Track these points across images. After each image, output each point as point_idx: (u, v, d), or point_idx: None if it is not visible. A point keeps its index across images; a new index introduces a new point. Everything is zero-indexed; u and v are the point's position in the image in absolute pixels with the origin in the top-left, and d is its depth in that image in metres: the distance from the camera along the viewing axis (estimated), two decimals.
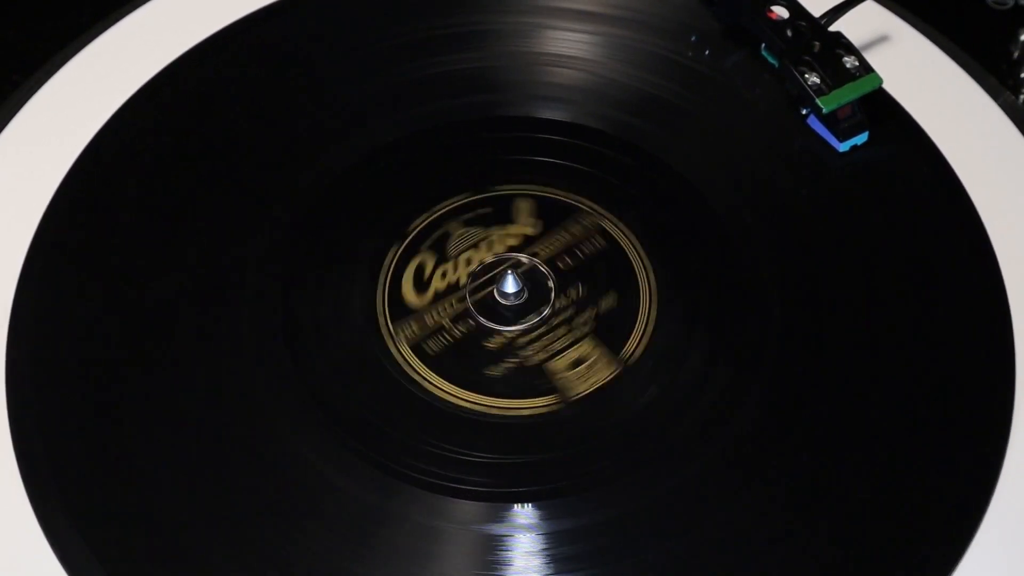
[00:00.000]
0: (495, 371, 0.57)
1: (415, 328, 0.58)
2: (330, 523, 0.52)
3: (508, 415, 0.55)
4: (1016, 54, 0.69)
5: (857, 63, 0.63)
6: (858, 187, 0.63)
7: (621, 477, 0.53)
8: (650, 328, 0.57)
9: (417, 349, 0.58)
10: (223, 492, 0.53)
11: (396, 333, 0.58)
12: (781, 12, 0.66)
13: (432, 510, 0.52)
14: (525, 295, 0.59)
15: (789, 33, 0.65)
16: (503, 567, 0.51)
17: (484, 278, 0.60)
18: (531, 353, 0.58)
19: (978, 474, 0.53)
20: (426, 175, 0.64)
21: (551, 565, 0.51)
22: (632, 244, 0.59)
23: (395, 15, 0.69)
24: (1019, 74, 0.68)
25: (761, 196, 0.62)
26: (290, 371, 0.56)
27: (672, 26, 0.69)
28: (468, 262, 0.60)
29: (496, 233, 0.61)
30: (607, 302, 0.58)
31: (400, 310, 0.59)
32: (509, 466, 0.54)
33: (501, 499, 0.53)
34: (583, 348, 0.57)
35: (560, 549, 0.51)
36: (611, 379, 0.56)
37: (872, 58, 0.63)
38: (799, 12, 0.65)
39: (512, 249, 0.60)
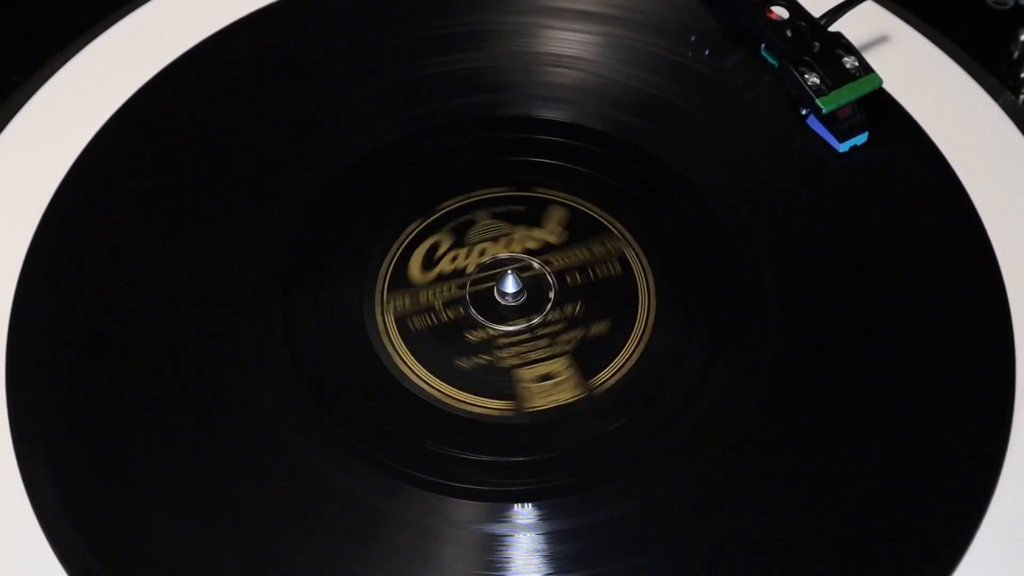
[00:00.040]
0: (465, 363, 0.57)
1: (406, 302, 0.58)
2: (330, 523, 0.52)
3: (462, 408, 0.55)
4: (1016, 54, 0.69)
5: (857, 63, 0.63)
6: (858, 187, 0.63)
7: (621, 477, 0.53)
8: (634, 357, 0.57)
9: (401, 322, 0.58)
10: (223, 492, 0.53)
11: (387, 301, 0.58)
12: (781, 12, 0.66)
13: (432, 510, 0.52)
14: (523, 298, 0.59)
15: (789, 33, 0.65)
16: (503, 567, 0.51)
17: (491, 272, 0.60)
18: (506, 356, 0.58)
19: (978, 474, 0.53)
20: (426, 175, 0.64)
21: (551, 565, 0.51)
22: (642, 266, 0.59)
23: (395, 15, 0.69)
24: (1019, 74, 0.68)
25: (761, 196, 0.62)
26: (290, 371, 0.56)
27: (672, 26, 0.69)
28: (482, 253, 0.60)
29: (520, 232, 0.61)
30: (598, 328, 0.58)
31: (400, 281, 0.59)
32: (509, 466, 0.54)
33: (501, 499, 0.53)
34: (556, 365, 0.57)
35: (560, 549, 0.51)
36: (571, 402, 0.56)
37: (872, 58, 0.63)
38: (799, 12, 0.65)
39: (528, 252, 0.60)
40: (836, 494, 0.53)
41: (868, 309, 0.58)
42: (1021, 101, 0.67)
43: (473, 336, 0.58)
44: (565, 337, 0.58)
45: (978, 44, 0.69)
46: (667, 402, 0.56)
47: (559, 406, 0.56)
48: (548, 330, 0.58)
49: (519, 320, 0.59)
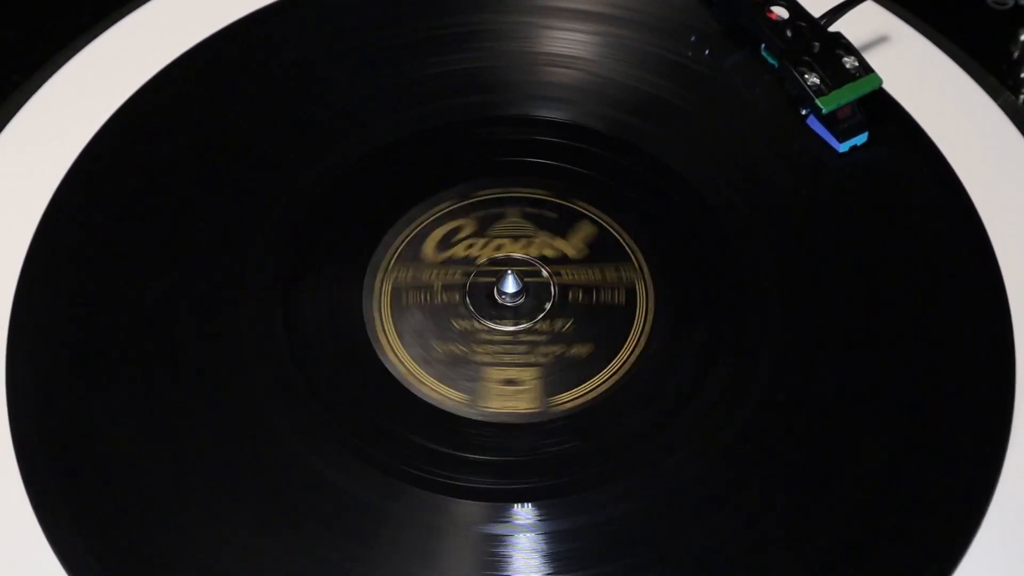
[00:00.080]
0: (439, 347, 0.57)
1: (409, 275, 0.59)
2: (330, 523, 0.52)
3: (422, 391, 0.56)
4: (1016, 54, 0.69)
5: (857, 63, 0.63)
6: (858, 187, 0.63)
7: (621, 477, 0.53)
8: (605, 386, 0.56)
9: (396, 293, 0.58)
10: (223, 492, 0.53)
11: (391, 269, 0.58)
12: (781, 12, 0.65)
13: (432, 510, 0.52)
14: (520, 301, 0.59)
15: (789, 33, 0.65)
16: (503, 567, 0.51)
17: (499, 268, 0.60)
18: (481, 351, 0.58)
19: (978, 474, 0.53)
20: (426, 175, 0.64)
21: (551, 565, 0.51)
22: (646, 287, 0.58)
23: (395, 15, 0.69)
24: (1019, 74, 0.68)
25: (761, 196, 0.62)
26: (290, 371, 0.56)
27: (672, 26, 0.69)
28: (498, 248, 0.60)
29: (542, 238, 0.60)
30: (579, 350, 0.57)
31: (412, 253, 0.60)
32: (509, 466, 0.54)
33: (501, 499, 0.53)
34: (525, 374, 0.57)
35: (560, 549, 0.51)
36: (524, 413, 0.56)
37: (872, 58, 0.63)
38: (799, 12, 0.65)
39: (543, 259, 0.60)
40: (836, 494, 0.53)
41: (868, 309, 0.58)
42: (1021, 101, 0.67)
43: (458, 324, 0.58)
44: (544, 350, 0.58)
45: (978, 44, 0.69)
46: (667, 402, 0.56)
47: (510, 413, 0.55)
48: (531, 338, 0.58)
49: (507, 321, 0.59)
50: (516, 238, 0.61)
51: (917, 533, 0.52)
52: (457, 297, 0.59)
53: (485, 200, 0.62)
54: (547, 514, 0.52)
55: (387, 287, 0.58)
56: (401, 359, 0.57)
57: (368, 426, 0.55)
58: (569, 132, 0.65)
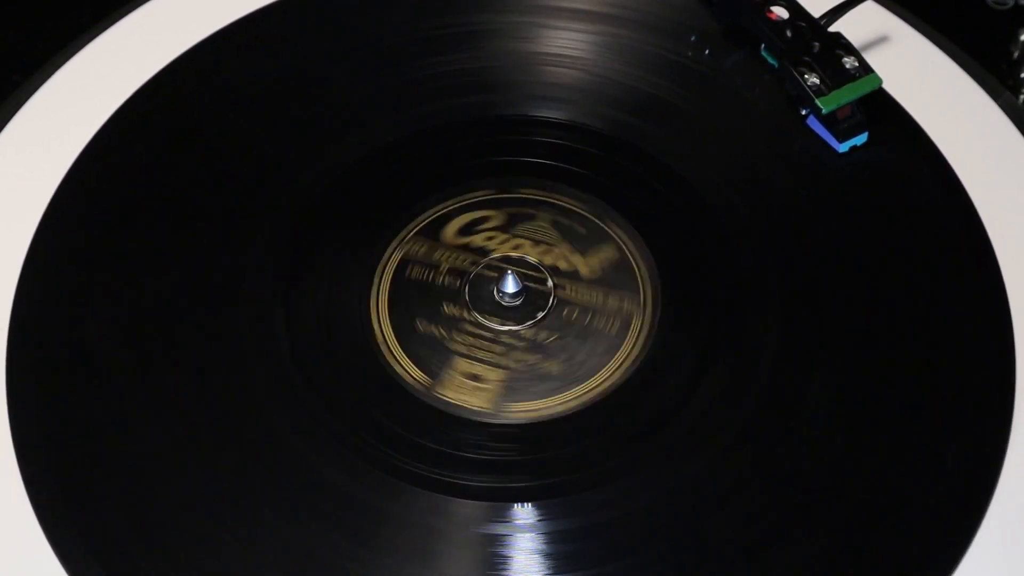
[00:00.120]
0: (421, 326, 0.58)
1: (421, 251, 0.59)
2: (330, 523, 0.52)
3: (390, 366, 0.56)
4: (1016, 54, 0.69)
5: (857, 63, 0.63)
6: (858, 187, 0.63)
7: (621, 477, 0.53)
8: (563, 406, 0.56)
9: (403, 264, 0.59)
10: (223, 492, 0.53)
11: (406, 240, 0.59)
12: (781, 12, 0.66)
13: (432, 510, 0.52)
14: (515, 303, 0.59)
15: (789, 33, 0.65)
16: (503, 567, 0.51)
17: (507, 266, 0.60)
18: (458, 340, 0.58)
19: (978, 474, 0.53)
20: (426, 175, 0.64)
21: (551, 565, 0.51)
22: (644, 321, 0.58)
23: (395, 15, 0.69)
24: (1019, 74, 0.68)
25: (761, 197, 0.62)
26: (290, 371, 0.56)
27: (672, 26, 0.69)
28: (516, 247, 0.60)
29: (562, 250, 0.60)
30: (550, 366, 0.57)
31: (432, 231, 0.60)
32: (509, 466, 0.54)
33: (501, 499, 0.53)
34: (490, 373, 0.57)
35: (560, 549, 0.51)
36: (471, 408, 0.56)
37: (872, 58, 0.63)
38: (799, 12, 0.65)
39: (554, 271, 0.60)
40: (836, 494, 0.53)
41: (868, 309, 0.58)
42: (1021, 101, 0.67)
43: (448, 309, 0.59)
44: (519, 356, 0.58)
45: (978, 44, 0.69)
46: (667, 402, 0.56)
47: (458, 406, 0.55)
48: (511, 341, 0.58)
49: (495, 319, 0.59)
50: (537, 242, 0.60)
51: (917, 533, 0.52)
52: (458, 283, 0.59)
53: (522, 199, 0.62)
54: (547, 514, 0.52)
55: (396, 258, 0.58)
56: (383, 327, 0.57)
57: (368, 426, 0.55)
58: (569, 132, 0.65)
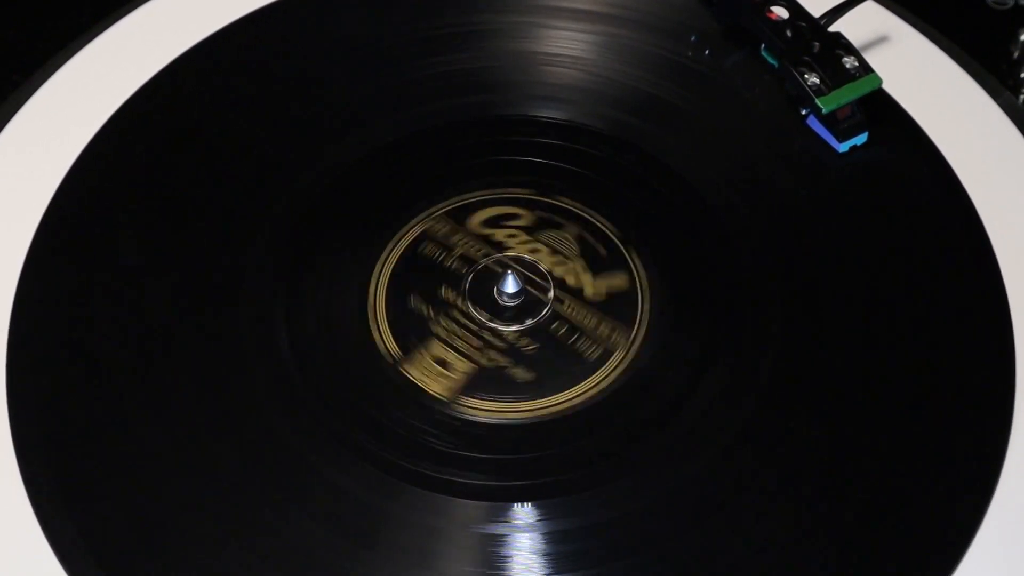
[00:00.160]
0: (413, 303, 0.58)
1: (443, 231, 0.60)
2: (330, 523, 0.52)
3: (376, 341, 0.57)
4: (1016, 54, 0.69)
5: (857, 63, 0.63)
6: (858, 187, 0.63)
7: (621, 477, 0.53)
8: (515, 415, 0.56)
9: (419, 239, 0.60)
10: (223, 492, 0.53)
11: (432, 216, 0.60)
12: (781, 12, 0.66)
13: (432, 510, 0.52)
14: (510, 303, 0.59)
15: (789, 33, 0.65)
16: (503, 567, 0.51)
17: (518, 267, 0.60)
18: (442, 324, 0.58)
19: (978, 474, 0.53)
20: (426, 175, 0.64)
21: (551, 565, 0.51)
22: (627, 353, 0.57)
23: (395, 15, 0.69)
24: (1019, 74, 0.68)
25: (761, 196, 0.62)
26: (290, 371, 0.56)
27: (672, 26, 0.69)
28: (533, 251, 0.60)
29: (576, 266, 0.59)
30: (519, 373, 0.57)
31: (460, 215, 0.61)
32: (509, 466, 0.54)
33: (501, 499, 0.53)
34: (460, 364, 0.57)
35: (560, 549, 0.51)
36: (427, 393, 0.56)
37: (872, 58, 0.63)
38: (799, 12, 0.65)
39: (559, 283, 0.59)
40: (836, 494, 0.53)
41: (868, 309, 0.58)
42: (1021, 101, 0.67)
43: (444, 293, 0.59)
44: (493, 354, 0.57)
45: (978, 44, 0.69)
46: (667, 402, 0.56)
47: (415, 388, 0.56)
48: (492, 339, 0.58)
49: (484, 312, 0.59)
50: (555, 252, 0.60)
51: (917, 533, 0.52)
52: (464, 270, 0.59)
53: (557, 207, 0.61)
54: (547, 514, 0.52)
55: (413, 232, 0.59)
56: (378, 296, 0.58)
57: (368, 426, 0.55)
58: (569, 132, 0.65)
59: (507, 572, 0.51)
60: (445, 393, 0.56)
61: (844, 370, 0.56)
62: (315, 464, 0.53)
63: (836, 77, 0.62)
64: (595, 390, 0.56)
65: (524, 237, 0.60)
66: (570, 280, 0.59)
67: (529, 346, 0.58)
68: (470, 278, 0.59)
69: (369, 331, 0.58)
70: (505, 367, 0.57)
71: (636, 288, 0.58)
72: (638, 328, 0.57)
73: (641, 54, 0.67)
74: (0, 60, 0.69)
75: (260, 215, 0.61)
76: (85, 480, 0.53)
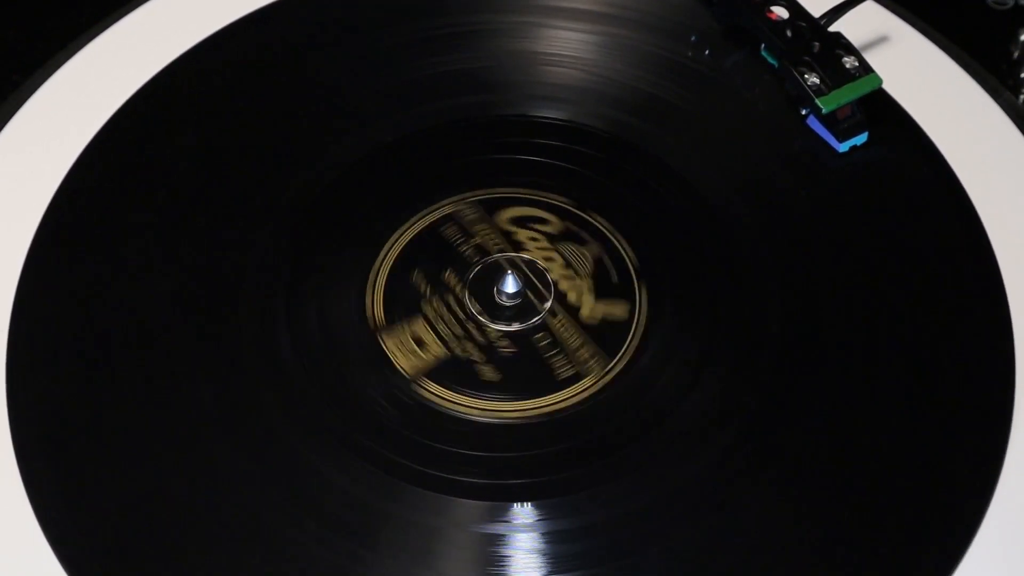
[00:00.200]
0: (415, 278, 0.59)
1: (470, 217, 0.60)
2: (330, 523, 0.52)
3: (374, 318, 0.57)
4: (1016, 54, 0.69)
5: (857, 63, 0.63)
6: (858, 187, 0.63)
7: (621, 477, 0.53)
8: (460, 409, 0.56)
9: (445, 220, 0.61)
10: (223, 492, 0.53)
11: (464, 200, 0.61)
12: (781, 12, 0.66)
13: (432, 510, 0.52)
14: (504, 303, 0.59)
15: (789, 33, 0.65)
16: (503, 567, 0.51)
17: (526, 270, 0.60)
18: (434, 306, 0.58)
19: (978, 474, 0.53)
20: (426, 175, 0.64)
21: (551, 565, 0.51)
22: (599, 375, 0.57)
23: (395, 15, 0.69)
24: (1019, 74, 0.68)
25: (761, 196, 0.62)
26: (290, 371, 0.56)
27: (672, 26, 0.69)
28: (548, 259, 0.60)
29: (583, 285, 0.59)
30: (485, 372, 0.57)
31: (491, 207, 0.61)
32: (509, 466, 0.54)
33: (501, 499, 0.53)
34: (435, 347, 0.57)
35: (560, 549, 0.51)
36: (393, 366, 0.56)
37: (872, 58, 0.63)
38: (799, 12, 0.65)
39: (560, 298, 0.59)
40: (836, 494, 0.53)
41: (868, 309, 0.58)
42: (1021, 101, 0.67)
43: (447, 277, 0.59)
44: (470, 347, 0.57)
45: (978, 44, 0.69)
46: (667, 402, 0.56)
47: (384, 361, 0.56)
48: (475, 332, 0.58)
49: (476, 304, 0.59)
50: (568, 266, 0.60)
51: (917, 533, 0.52)
52: (475, 259, 0.60)
53: (587, 222, 0.61)
54: (547, 514, 0.52)
55: (443, 211, 0.60)
56: (387, 260, 0.59)
57: (368, 426, 0.55)
58: (569, 132, 0.65)
59: (507, 572, 0.51)
60: (409, 370, 0.56)
61: (844, 370, 0.56)
62: (315, 464, 0.53)
63: (836, 77, 0.62)
64: (551, 408, 0.56)
65: (545, 244, 0.60)
66: (571, 296, 0.59)
67: (507, 348, 0.58)
68: (477, 269, 0.60)
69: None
70: (476, 362, 0.57)
71: (632, 322, 0.58)
72: (617, 362, 0.57)
73: (641, 54, 0.67)
74: (0, 60, 0.69)
75: (260, 215, 0.61)
76: (85, 480, 0.53)
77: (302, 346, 0.57)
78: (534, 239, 0.60)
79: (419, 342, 0.57)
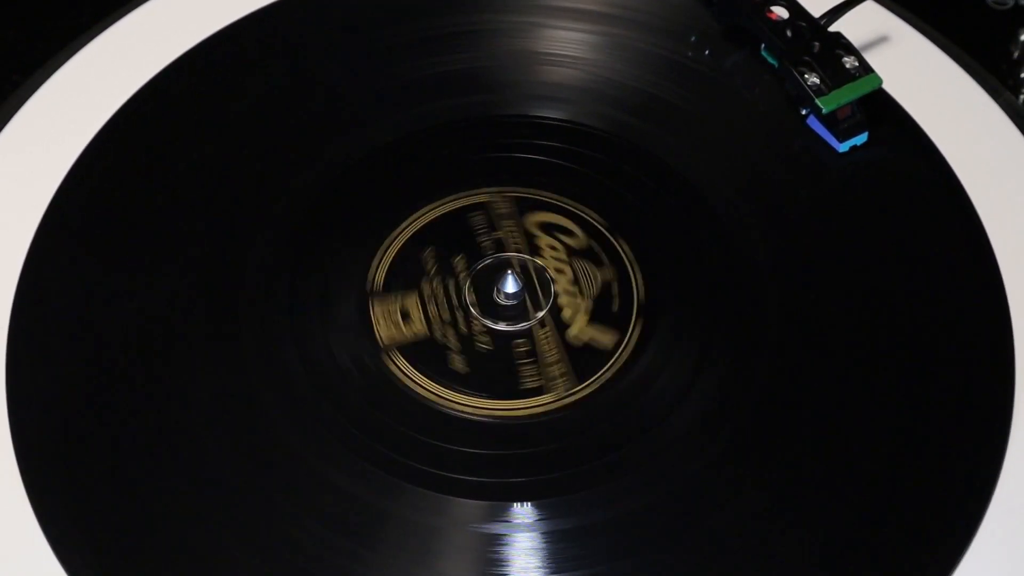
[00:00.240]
0: (426, 253, 0.59)
1: (501, 210, 0.61)
2: (330, 523, 0.52)
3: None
4: (1016, 54, 0.69)
5: (857, 63, 0.63)
6: (858, 187, 0.63)
7: (621, 477, 0.53)
8: (422, 393, 0.56)
9: (473, 208, 0.61)
10: (223, 492, 0.53)
11: (504, 193, 0.61)
12: (781, 12, 0.66)
13: (432, 509, 0.52)
14: (498, 300, 0.59)
15: (789, 33, 0.65)
16: (503, 566, 0.51)
17: (533, 275, 0.60)
18: (433, 284, 0.59)
19: (978, 474, 0.53)
20: (426, 175, 0.64)
21: (551, 564, 0.51)
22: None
23: (395, 15, 0.69)
24: (1019, 74, 0.68)
25: (761, 196, 0.62)
26: (291, 371, 0.56)
27: (672, 26, 0.69)
28: (558, 271, 0.59)
29: (582, 306, 0.58)
30: (456, 361, 0.57)
31: (525, 207, 0.62)
32: (509, 466, 0.54)
33: (501, 498, 0.53)
34: (418, 324, 0.58)
35: (560, 548, 0.51)
36: (372, 332, 0.57)
37: (872, 58, 0.63)
38: (799, 12, 0.65)
39: (555, 311, 0.59)
40: (835, 494, 0.53)
41: (868, 309, 0.58)
42: (1021, 101, 0.67)
43: (456, 261, 0.60)
44: (451, 334, 0.58)
45: (978, 44, 0.69)
46: (667, 401, 0.56)
47: (365, 327, 0.57)
48: (459, 319, 0.58)
49: (472, 295, 0.59)
50: (576, 282, 0.60)
51: (917, 533, 0.52)
52: (489, 252, 0.60)
53: (611, 248, 0.60)
54: (547, 514, 0.52)
55: (473, 201, 0.61)
56: (402, 232, 0.60)
57: (369, 426, 0.55)
58: (569, 132, 0.65)
59: (507, 572, 0.51)
60: (385, 340, 0.57)
61: (843, 370, 0.56)
62: (315, 464, 0.53)
63: (836, 77, 0.62)
64: (502, 413, 0.55)
65: (562, 255, 0.60)
66: (566, 313, 0.59)
67: (485, 345, 0.58)
68: (487, 261, 0.60)
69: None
70: (450, 349, 0.57)
71: (614, 354, 0.57)
72: (583, 387, 0.56)
73: (641, 54, 0.67)
74: (0, 60, 0.69)
75: (260, 215, 0.61)
76: (85, 480, 0.53)
77: (303, 345, 0.57)
78: (553, 248, 0.60)
79: (405, 316, 0.58)
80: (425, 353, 0.57)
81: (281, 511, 0.52)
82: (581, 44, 0.68)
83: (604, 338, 0.57)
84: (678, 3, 0.69)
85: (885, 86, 0.63)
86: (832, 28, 0.65)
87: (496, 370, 0.57)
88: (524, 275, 0.59)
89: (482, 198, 0.62)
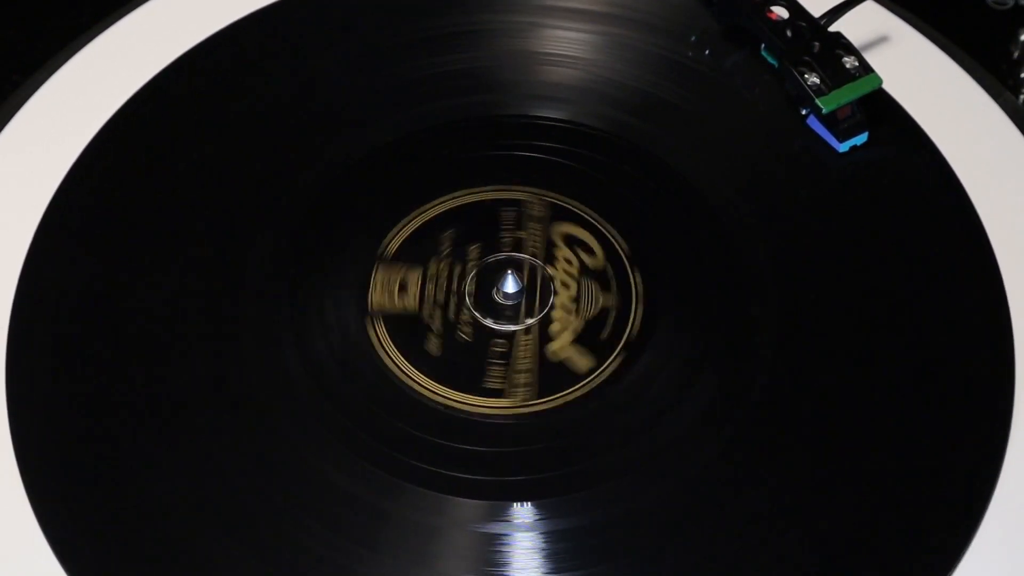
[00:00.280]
0: (444, 234, 0.61)
1: (534, 212, 0.61)
2: (330, 523, 0.52)
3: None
4: (1016, 54, 0.69)
5: (857, 63, 0.63)
6: (858, 187, 0.63)
7: (621, 477, 0.53)
8: (397, 372, 0.56)
9: (514, 201, 0.62)
10: (223, 492, 0.53)
11: (542, 196, 0.62)
12: (781, 12, 0.66)
13: (432, 509, 0.52)
14: (495, 298, 0.59)
15: (789, 33, 0.65)
16: (503, 566, 0.51)
17: (540, 282, 0.60)
18: (440, 267, 0.59)
19: (978, 474, 0.53)
20: (426, 175, 0.64)
21: (550, 564, 0.51)
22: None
23: (395, 15, 0.69)
24: (1019, 74, 0.68)
25: (761, 196, 0.62)
26: (291, 371, 0.56)
27: (672, 26, 0.69)
28: (565, 285, 0.59)
29: (573, 325, 0.58)
30: (431, 347, 0.57)
31: (560, 215, 0.62)
32: (509, 466, 0.54)
33: (500, 498, 0.53)
34: (411, 300, 0.58)
35: (560, 548, 0.51)
36: (365, 295, 0.58)
37: (872, 58, 0.63)
38: (799, 12, 0.65)
39: (544, 323, 0.58)
40: (835, 494, 0.53)
41: (868, 309, 0.58)
42: (1021, 101, 0.67)
43: (471, 248, 0.60)
44: (437, 315, 0.58)
45: (978, 44, 0.69)
46: (667, 401, 0.56)
47: (362, 302, 0.58)
48: (451, 303, 0.58)
49: (472, 287, 0.59)
50: (575, 300, 0.59)
51: (917, 533, 0.52)
52: (505, 249, 0.60)
53: (625, 277, 0.60)
54: (546, 514, 0.52)
55: (510, 195, 0.62)
56: (426, 212, 0.61)
57: (369, 425, 0.55)
58: (569, 132, 0.65)
59: (506, 572, 0.51)
60: (374, 305, 0.58)
61: (843, 370, 0.56)
62: (315, 464, 0.53)
63: (836, 77, 0.62)
64: (464, 407, 0.56)
65: (574, 271, 0.60)
66: (554, 327, 0.58)
67: (465, 336, 0.58)
68: (499, 257, 0.60)
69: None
70: (431, 331, 0.58)
71: (584, 380, 0.57)
72: (539, 403, 0.56)
73: (641, 54, 0.67)
74: (0, 60, 0.69)
75: (260, 215, 0.61)
76: (85, 480, 0.53)
77: (303, 346, 0.57)
78: (568, 261, 0.60)
79: (402, 288, 0.58)
80: (406, 328, 0.58)
81: (281, 511, 0.52)
82: (581, 44, 0.68)
83: (581, 362, 0.57)
84: (678, 3, 0.69)
85: (885, 86, 0.63)
86: (832, 28, 0.65)
87: (465, 362, 0.57)
88: (529, 280, 0.59)
89: (520, 196, 0.62)
